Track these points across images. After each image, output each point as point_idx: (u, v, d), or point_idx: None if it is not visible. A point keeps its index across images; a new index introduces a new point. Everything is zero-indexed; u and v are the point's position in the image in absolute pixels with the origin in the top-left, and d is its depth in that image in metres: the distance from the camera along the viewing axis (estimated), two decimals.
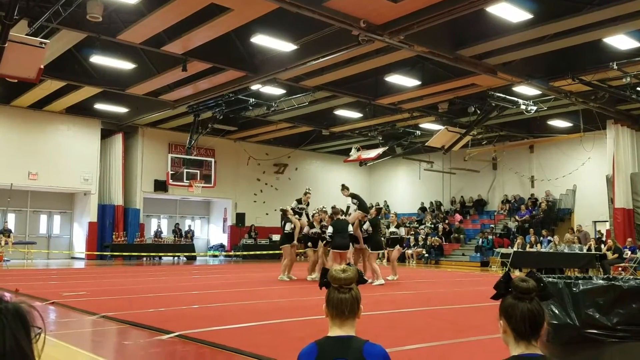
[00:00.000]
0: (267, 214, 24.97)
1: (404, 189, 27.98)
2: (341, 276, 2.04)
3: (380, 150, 22.02)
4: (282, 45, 12.79)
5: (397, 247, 12.67)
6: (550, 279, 3.48)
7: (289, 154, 25.64)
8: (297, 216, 12.41)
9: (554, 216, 21.76)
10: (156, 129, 22.67)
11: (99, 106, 19.55)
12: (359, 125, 21.34)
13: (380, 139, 22.08)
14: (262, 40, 12.55)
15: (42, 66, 10.54)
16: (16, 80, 13.22)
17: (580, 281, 3.36)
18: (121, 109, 20.07)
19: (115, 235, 21.06)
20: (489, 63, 13.57)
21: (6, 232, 19.08)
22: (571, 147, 20.92)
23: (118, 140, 21.88)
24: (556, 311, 3.29)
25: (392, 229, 12.69)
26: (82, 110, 20.24)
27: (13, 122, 19.37)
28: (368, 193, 29.59)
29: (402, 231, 13.19)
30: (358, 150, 22.80)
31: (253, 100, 17.52)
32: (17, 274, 14.04)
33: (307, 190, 12.85)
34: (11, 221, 20.74)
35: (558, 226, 21.34)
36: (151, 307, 7.69)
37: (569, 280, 3.40)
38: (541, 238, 19.41)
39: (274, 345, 5.25)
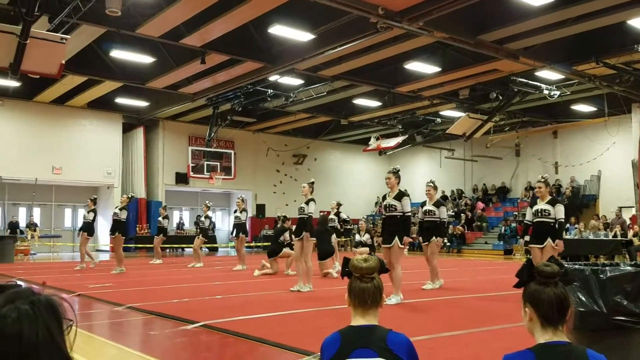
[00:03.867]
0: (287, 204, 25.00)
1: (425, 177, 27.57)
2: (363, 266, 2.02)
3: (400, 139, 21.86)
4: (299, 35, 12.73)
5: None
6: (576, 266, 3.43)
7: (307, 144, 25.62)
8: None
9: (578, 202, 21.41)
10: (176, 122, 22.86)
11: (120, 100, 19.75)
12: (378, 114, 21.21)
13: (400, 127, 21.91)
14: (280, 30, 12.50)
15: (63, 62, 10.65)
16: (38, 76, 13.41)
17: (607, 268, 3.30)
18: (141, 103, 20.26)
19: (139, 227, 21.33)
20: (511, 48, 13.34)
21: (32, 226, 19.48)
22: (595, 132, 20.53)
23: (139, 134, 22.12)
24: (583, 298, 3.24)
25: (428, 207, 9.61)
26: (103, 105, 20.48)
27: (36, 117, 19.68)
28: None
29: (441, 211, 9.49)
30: (377, 139, 22.68)
31: (271, 91, 17.52)
32: (44, 267, 14.32)
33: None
34: (36, 215, 21.15)
35: (583, 212, 21.00)
36: (175, 298, 7.79)
37: (595, 267, 3.34)
38: (567, 225, 19.14)
39: (297, 335, 5.28)
